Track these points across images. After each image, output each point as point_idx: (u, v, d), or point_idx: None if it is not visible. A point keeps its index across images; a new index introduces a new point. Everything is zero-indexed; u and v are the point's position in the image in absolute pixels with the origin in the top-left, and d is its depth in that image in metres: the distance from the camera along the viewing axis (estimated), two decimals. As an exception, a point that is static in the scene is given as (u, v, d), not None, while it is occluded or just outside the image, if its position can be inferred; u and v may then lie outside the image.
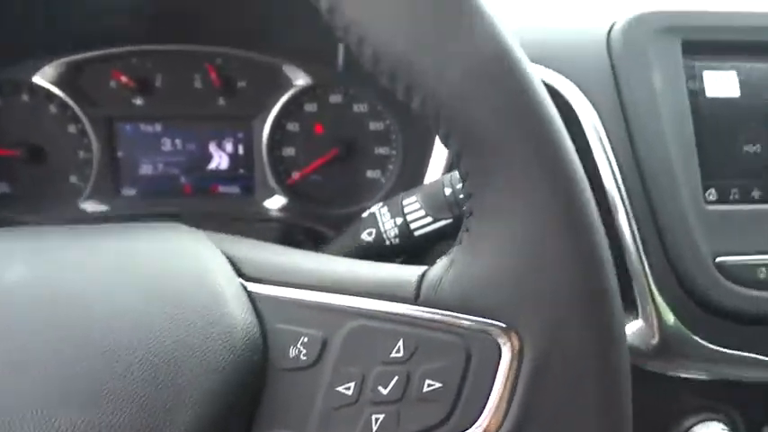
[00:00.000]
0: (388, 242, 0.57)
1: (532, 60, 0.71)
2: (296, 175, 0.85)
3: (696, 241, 0.65)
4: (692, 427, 0.67)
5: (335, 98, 0.84)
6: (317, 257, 0.43)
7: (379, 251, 0.58)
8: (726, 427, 0.68)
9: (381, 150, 0.86)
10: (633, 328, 0.65)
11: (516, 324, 0.36)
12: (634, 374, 0.66)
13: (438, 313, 0.38)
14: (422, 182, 0.73)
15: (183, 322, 0.37)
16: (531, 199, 0.36)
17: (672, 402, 0.67)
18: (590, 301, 0.35)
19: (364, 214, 0.61)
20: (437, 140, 0.71)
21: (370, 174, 0.86)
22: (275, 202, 0.85)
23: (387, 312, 0.38)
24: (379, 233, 0.58)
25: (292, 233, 0.77)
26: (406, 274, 0.39)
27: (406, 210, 0.57)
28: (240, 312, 0.38)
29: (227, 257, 0.42)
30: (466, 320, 0.37)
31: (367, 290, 0.39)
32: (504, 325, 0.37)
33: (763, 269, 0.65)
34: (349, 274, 0.40)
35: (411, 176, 0.84)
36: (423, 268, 0.40)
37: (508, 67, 0.36)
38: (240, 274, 0.42)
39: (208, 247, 0.42)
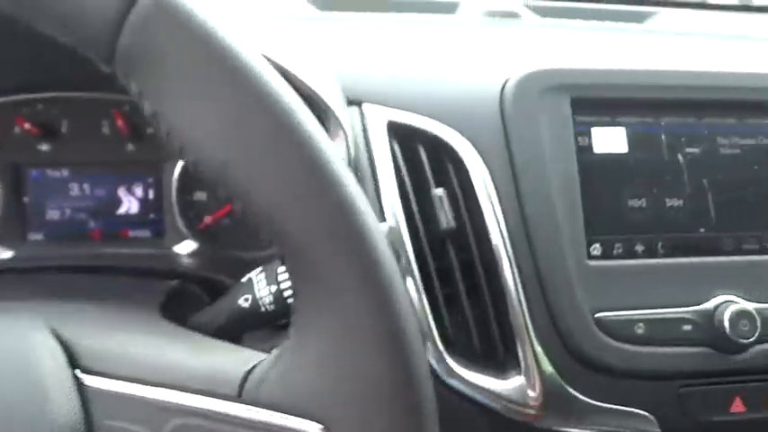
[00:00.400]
0: (263, 309, 0.58)
1: (427, 114, 0.74)
2: (207, 219, 0.85)
3: (577, 297, 0.66)
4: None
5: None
6: (158, 342, 0.44)
7: (256, 317, 0.59)
8: None
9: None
10: (515, 383, 0.66)
11: (331, 428, 0.37)
12: (516, 430, 0.68)
13: (259, 413, 0.39)
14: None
15: (2, 419, 0.37)
16: (347, 312, 0.37)
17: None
18: (402, 414, 0.36)
19: (243, 279, 0.61)
20: (368, 185, 0.72)
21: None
22: (186, 247, 0.85)
23: (209, 410, 0.39)
24: (255, 300, 0.59)
25: (187, 288, 0.78)
26: (234, 368, 0.40)
27: (279, 277, 0.58)
28: (65, 408, 0.39)
29: (64, 346, 0.43)
30: (285, 421, 0.38)
31: (193, 385, 0.40)
32: (321, 427, 0.38)
33: (641, 324, 0.67)
34: (179, 366, 0.40)
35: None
36: (253, 361, 0.41)
37: (327, 183, 0.37)
38: (75, 364, 0.42)
39: (41, 337, 0.43)
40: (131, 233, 0.84)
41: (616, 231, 0.70)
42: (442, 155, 0.70)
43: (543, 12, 1.16)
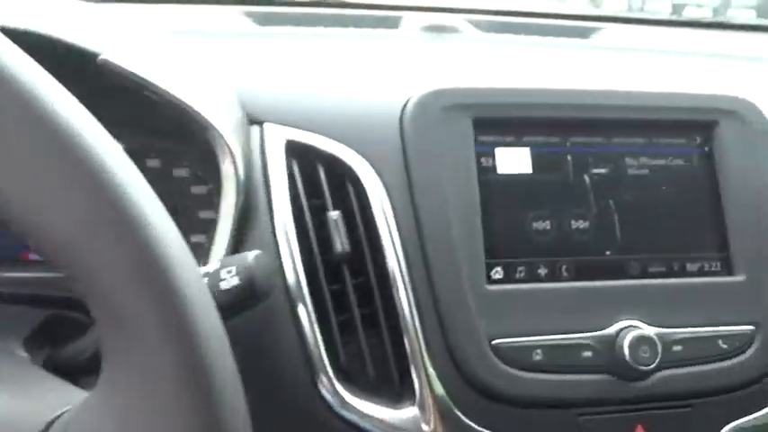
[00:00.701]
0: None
1: (327, 134, 0.73)
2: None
3: (474, 323, 0.65)
4: None
5: (153, 162, 0.82)
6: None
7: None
8: None
9: (205, 214, 0.84)
10: (409, 414, 0.64)
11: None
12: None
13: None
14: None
15: None
16: (151, 363, 0.34)
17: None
18: None
19: None
20: (261, 206, 0.70)
21: (194, 238, 0.85)
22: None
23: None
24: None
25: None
26: (38, 415, 0.38)
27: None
28: None
29: None
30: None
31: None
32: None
33: (539, 351, 0.65)
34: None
35: (236, 240, 0.83)
36: (63, 408, 0.38)
37: (127, 221, 0.34)
38: None
39: None
40: (31, 256, 0.82)
41: (518, 254, 0.68)
42: (342, 176, 0.68)
43: (486, 27, 1.16)
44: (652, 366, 0.64)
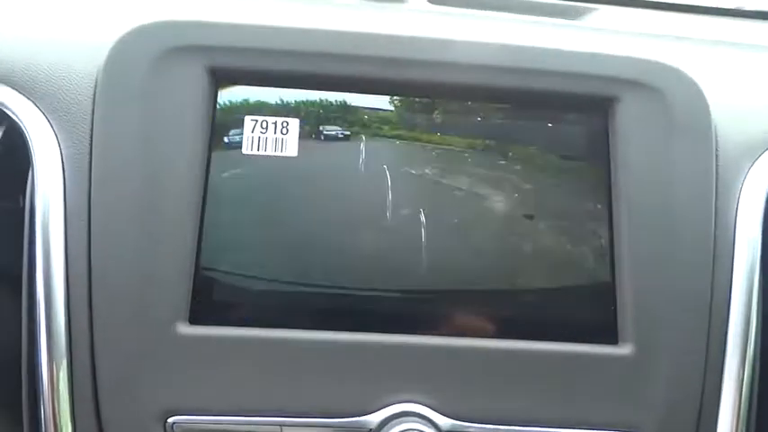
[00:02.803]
0: None
1: (20, 87, 0.50)
2: None
3: (143, 386, 0.41)
4: None
5: None
6: None
7: None
8: None
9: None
10: None
11: None
12: None
13: None
14: None
15: None
16: None
17: None
18: None
19: None
20: None
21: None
22: None
23: None
24: None
25: None
26: None
27: None
28: None
29: None
30: None
31: None
32: None
33: (228, 440, 0.41)
34: None
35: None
36: None
37: None
38: None
39: None
40: None
41: (248, 282, 0.43)
42: (22, 146, 0.47)
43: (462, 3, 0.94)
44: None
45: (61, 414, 0.40)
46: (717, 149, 0.50)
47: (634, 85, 0.48)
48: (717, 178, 0.49)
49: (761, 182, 0.50)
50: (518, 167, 0.48)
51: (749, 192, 0.49)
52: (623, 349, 0.44)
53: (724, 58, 0.58)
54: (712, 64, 0.57)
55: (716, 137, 0.50)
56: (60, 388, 0.41)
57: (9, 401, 0.43)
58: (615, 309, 0.45)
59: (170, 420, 0.40)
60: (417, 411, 0.41)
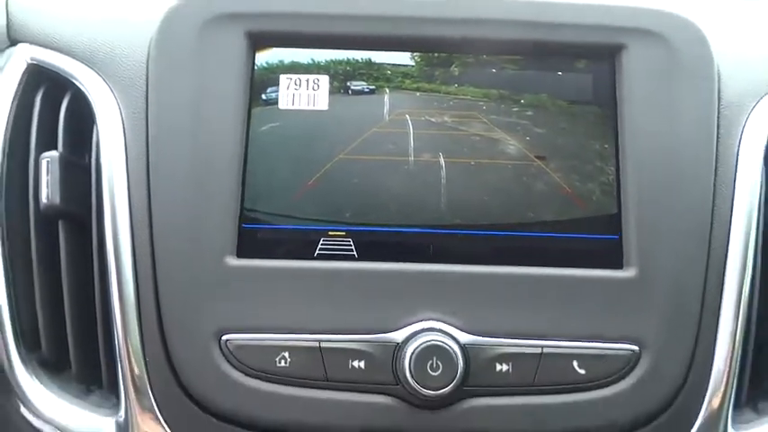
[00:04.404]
0: None
1: (80, 57, 0.57)
2: None
3: (199, 309, 0.47)
4: None
5: None
6: None
7: None
8: None
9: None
10: (106, 427, 0.48)
11: None
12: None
13: None
14: None
15: None
16: None
17: None
18: None
19: None
20: None
21: None
22: None
23: None
24: None
25: None
26: None
27: None
28: None
29: None
30: None
31: None
32: None
33: (286, 354, 0.46)
34: None
35: None
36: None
37: None
38: None
39: None
40: None
41: (289, 221, 0.49)
42: (86, 110, 0.53)
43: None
44: (445, 391, 0.43)
45: (131, 337, 0.47)
46: (719, 93, 0.53)
47: (640, 33, 0.51)
48: (719, 119, 0.52)
49: (761, 123, 0.53)
50: (530, 113, 0.52)
51: (750, 132, 0.52)
52: (628, 273, 0.48)
53: (728, 7, 0.61)
54: (716, 12, 0.59)
55: (718, 81, 0.53)
56: (129, 317, 0.47)
57: (85, 331, 0.50)
58: (620, 237, 0.49)
59: (224, 338, 0.46)
60: (438, 327, 0.46)
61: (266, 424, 0.45)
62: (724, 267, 0.49)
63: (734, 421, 0.49)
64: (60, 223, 0.50)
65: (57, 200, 0.49)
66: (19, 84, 0.53)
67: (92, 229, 0.50)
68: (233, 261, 0.47)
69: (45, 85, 0.54)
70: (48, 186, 0.50)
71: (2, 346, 0.48)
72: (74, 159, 0.52)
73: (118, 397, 0.48)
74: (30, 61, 0.54)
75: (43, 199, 0.50)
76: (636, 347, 0.46)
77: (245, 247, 0.48)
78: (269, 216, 0.49)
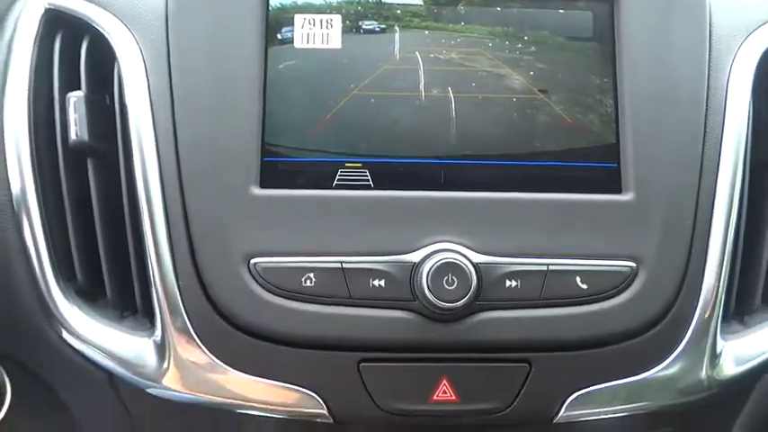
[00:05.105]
0: None
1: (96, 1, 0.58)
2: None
3: (228, 234, 0.50)
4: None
5: None
6: None
7: None
8: None
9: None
10: (144, 347, 0.51)
11: None
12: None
13: None
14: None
15: None
16: None
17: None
18: None
19: None
20: None
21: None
22: None
23: None
24: None
25: None
26: None
27: None
28: None
29: None
30: None
31: None
32: None
33: (312, 275, 0.49)
34: None
35: None
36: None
37: None
38: None
39: None
40: None
41: (308, 153, 0.52)
42: (105, 52, 0.55)
43: None
44: (460, 304, 0.47)
45: (163, 262, 0.50)
46: (711, 29, 0.56)
47: None
48: (710, 53, 0.56)
49: (749, 57, 0.56)
50: (533, 49, 0.55)
51: (739, 65, 0.56)
52: (626, 196, 0.51)
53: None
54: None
55: (710, 18, 0.56)
56: (161, 245, 0.50)
57: (118, 260, 0.53)
58: (619, 165, 0.52)
59: (252, 261, 0.49)
60: (452, 248, 0.49)
61: (294, 338, 0.49)
62: (714, 191, 0.53)
63: (722, 332, 0.53)
64: (89, 160, 0.53)
65: (85, 136, 0.52)
66: (37, 29, 0.55)
67: (119, 163, 0.53)
68: (257, 191, 0.50)
69: (63, 30, 0.56)
70: (76, 124, 0.52)
71: (41, 277, 0.51)
72: (97, 99, 0.54)
73: (151, 321, 0.51)
74: (47, 6, 0.56)
75: (72, 136, 0.52)
76: (633, 264, 0.50)
77: (268, 178, 0.51)
78: (289, 149, 0.52)
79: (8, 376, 0.60)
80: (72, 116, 0.52)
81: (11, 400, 0.61)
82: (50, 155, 0.54)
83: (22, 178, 0.52)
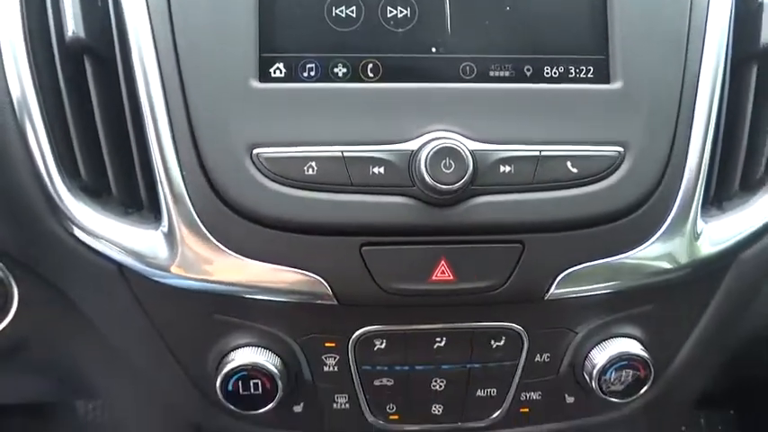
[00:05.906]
0: None
1: None
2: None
3: (230, 126, 0.51)
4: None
5: None
6: None
7: None
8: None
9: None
10: (153, 237, 0.53)
11: None
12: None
13: None
14: None
15: None
16: None
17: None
18: None
19: None
20: None
21: None
22: None
23: None
24: None
25: None
26: None
27: None
28: None
29: None
30: None
31: None
32: None
33: (313, 164, 0.51)
34: None
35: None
36: None
37: None
38: None
39: None
40: None
41: (308, 48, 0.52)
42: None
43: None
44: (456, 186, 0.49)
45: (167, 154, 0.51)
46: None
47: None
48: None
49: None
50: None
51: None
52: (614, 85, 0.54)
53: None
54: None
55: None
56: (163, 137, 0.51)
57: (121, 156, 0.54)
58: (607, 56, 0.54)
59: (255, 152, 0.51)
60: (448, 136, 0.51)
61: (298, 224, 0.51)
62: (698, 80, 0.55)
63: (702, 215, 0.56)
64: (87, 58, 0.53)
65: (81, 33, 0.52)
66: None
67: (116, 58, 0.53)
68: (256, 84, 0.51)
69: None
70: (72, 19, 0.52)
71: (46, 175, 0.52)
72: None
73: (156, 215, 0.53)
74: None
75: (69, 32, 0.52)
76: (620, 149, 0.53)
77: (266, 72, 0.52)
78: (285, 46, 0.52)
79: (14, 279, 0.61)
80: (68, 10, 0.52)
81: (17, 304, 0.62)
82: (48, 56, 0.54)
83: (20, 79, 0.52)
